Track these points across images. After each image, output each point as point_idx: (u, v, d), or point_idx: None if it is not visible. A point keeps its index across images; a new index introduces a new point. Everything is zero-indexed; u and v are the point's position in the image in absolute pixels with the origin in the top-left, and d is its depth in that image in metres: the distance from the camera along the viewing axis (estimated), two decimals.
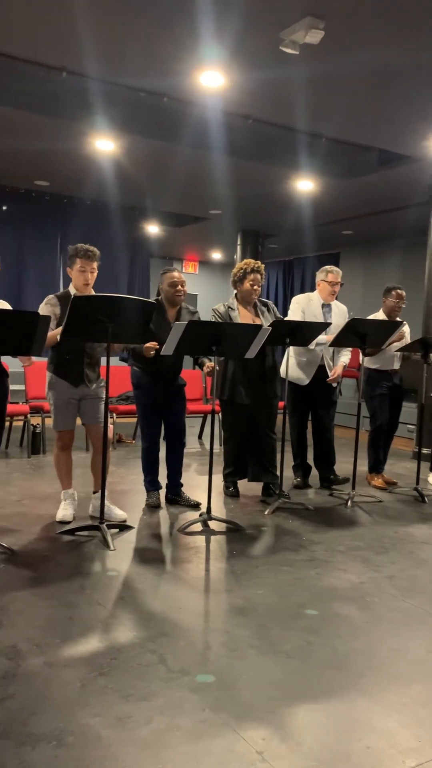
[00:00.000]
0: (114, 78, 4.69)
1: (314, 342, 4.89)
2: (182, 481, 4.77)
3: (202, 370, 4.44)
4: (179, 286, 4.42)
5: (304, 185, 6.98)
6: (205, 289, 12.34)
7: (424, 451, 6.53)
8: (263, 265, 4.84)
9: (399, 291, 5.37)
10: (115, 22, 3.87)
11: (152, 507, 4.59)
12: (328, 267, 5.26)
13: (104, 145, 5.94)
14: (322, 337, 4.95)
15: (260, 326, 4.08)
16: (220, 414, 5.59)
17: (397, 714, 2.15)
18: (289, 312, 5.25)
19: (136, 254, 9.29)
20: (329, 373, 5.15)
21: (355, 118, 5.22)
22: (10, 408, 6.39)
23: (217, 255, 12.16)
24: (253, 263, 4.75)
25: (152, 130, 5.63)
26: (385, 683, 2.35)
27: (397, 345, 5.17)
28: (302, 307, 5.17)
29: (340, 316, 5.24)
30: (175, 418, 4.65)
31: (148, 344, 4.09)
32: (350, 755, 1.93)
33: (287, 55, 4.03)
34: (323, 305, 5.21)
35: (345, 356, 5.26)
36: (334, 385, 5.31)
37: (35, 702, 2.13)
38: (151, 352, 4.06)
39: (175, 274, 4.47)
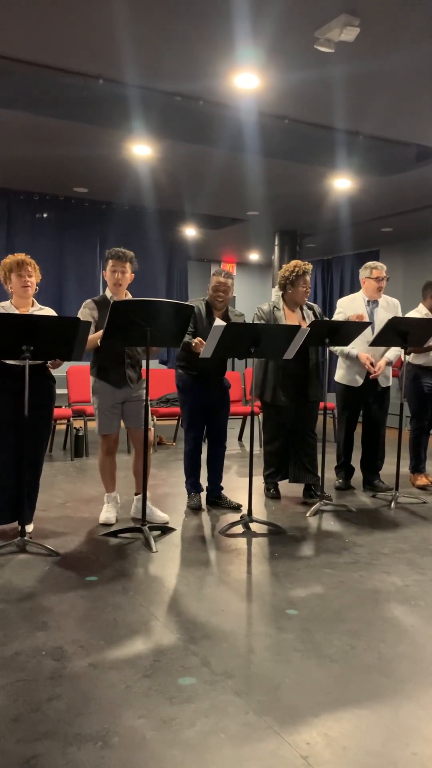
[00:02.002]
0: (150, 84, 4.73)
1: (347, 350, 4.86)
2: (222, 483, 4.78)
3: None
4: (221, 292, 4.44)
5: (342, 183, 6.92)
6: (244, 290, 12.32)
7: None
8: (311, 266, 4.82)
9: None
10: (150, 28, 3.90)
11: (193, 509, 4.61)
12: (371, 263, 5.18)
13: (141, 150, 5.99)
14: (353, 351, 4.90)
15: (298, 327, 4.06)
16: (259, 415, 5.58)
17: None
18: (334, 315, 5.20)
19: (174, 257, 9.35)
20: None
21: (392, 114, 5.15)
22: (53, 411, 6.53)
23: (254, 256, 12.13)
24: (303, 265, 4.74)
25: (188, 134, 5.65)
26: None
27: None
28: (344, 310, 5.11)
29: (389, 310, 5.13)
30: (218, 421, 4.66)
31: (196, 340, 4.13)
32: (397, 762, 1.90)
33: (323, 54, 4.00)
34: (369, 302, 5.14)
35: (392, 352, 5.12)
36: (387, 384, 5.19)
37: (81, 703, 2.16)
38: (199, 350, 4.07)
39: (221, 279, 4.46)
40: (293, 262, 4.80)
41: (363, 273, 5.20)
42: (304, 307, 4.87)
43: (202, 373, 4.48)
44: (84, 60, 4.37)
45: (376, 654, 2.55)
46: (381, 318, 4.95)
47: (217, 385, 4.60)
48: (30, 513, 3.96)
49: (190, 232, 9.54)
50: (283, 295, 4.83)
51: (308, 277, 4.73)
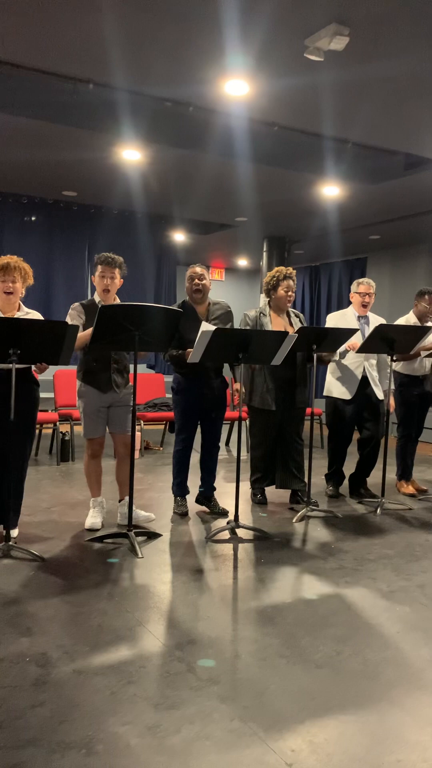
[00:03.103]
0: (140, 88, 4.73)
1: (337, 352, 4.87)
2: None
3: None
4: (196, 279, 4.43)
5: (330, 190, 6.95)
6: (232, 295, 12.34)
7: None
8: (295, 272, 4.86)
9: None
10: (140, 34, 3.91)
11: (180, 515, 4.60)
12: (360, 279, 5.25)
13: (131, 154, 6.00)
14: (341, 347, 4.91)
15: (286, 333, 4.07)
16: (247, 421, 5.58)
17: (430, 726, 2.12)
18: None
19: (162, 262, 9.35)
20: (371, 384, 5.06)
21: (381, 123, 5.19)
22: (40, 416, 6.48)
23: (243, 262, 12.17)
24: (285, 270, 4.80)
25: (178, 139, 5.66)
26: (418, 694, 2.31)
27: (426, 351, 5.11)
28: (336, 324, 5.12)
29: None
30: (213, 421, 4.65)
31: (188, 351, 4.14)
32: None
33: (312, 62, 4.03)
34: (359, 317, 5.17)
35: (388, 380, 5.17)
36: (381, 396, 5.15)
37: (65, 709, 2.14)
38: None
39: (197, 269, 4.46)
40: (276, 268, 4.87)
41: (352, 287, 5.25)
42: (291, 314, 4.90)
43: (198, 375, 4.46)
44: (74, 64, 4.37)
45: (361, 660, 2.55)
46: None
47: (212, 385, 4.58)
48: (15, 517, 3.93)
49: (179, 237, 9.55)
50: (269, 302, 4.86)
51: (291, 282, 4.77)
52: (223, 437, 7.84)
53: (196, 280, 4.44)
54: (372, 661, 2.55)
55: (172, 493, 4.76)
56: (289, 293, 4.78)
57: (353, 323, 5.10)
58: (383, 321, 5.23)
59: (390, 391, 5.12)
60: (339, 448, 5.27)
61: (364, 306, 5.15)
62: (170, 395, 5.04)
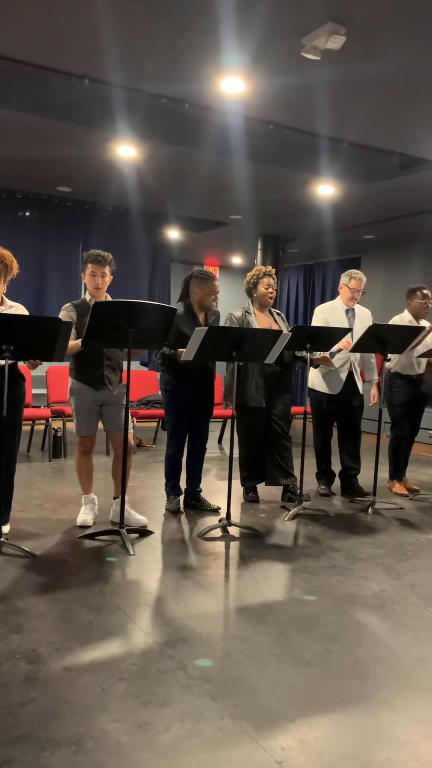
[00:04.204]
0: (135, 85, 4.72)
1: (329, 352, 4.89)
2: (201, 486, 4.78)
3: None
4: (215, 294, 4.53)
5: (325, 190, 6.96)
6: (226, 293, 12.29)
7: None
8: (274, 270, 4.94)
9: (424, 291, 5.34)
10: (137, 30, 3.89)
11: (172, 512, 4.60)
12: (353, 272, 5.24)
13: (126, 151, 5.98)
14: (334, 348, 4.93)
15: (280, 331, 4.07)
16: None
17: (420, 725, 2.12)
18: (313, 322, 5.24)
19: (157, 259, 9.34)
20: (356, 379, 5.13)
21: (376, 122, 5.19)
22: (32, 412, 6.47)
23: (237, 260, 12.15)
24: (265, 268, 4.91)
25: (174, 136, 5.65)
26: (408, 693, 2.32)
27: (419, 350, 5.12)
28: (325, 317, 5.15)
29: (363, 320, 5.19)
30: (200, 422, 4.65)
31: (179, 351, 4.13)
32: (371, 766, 1.90)
33: (309, 61, 4.02)
34: (347, 311, 5.19)
35: (376, 375, 5.27)
36: (361, 391, 5.24)
37: (55, 707, 2.14)
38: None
39: (217, 286, 4.53)
40: (256, 268, 4.97)
41: (343, 278, 5.25)
42: (273, 312, 4.94)
43: (188, 376, 4.46)
44: (70, 59, 4.34)
45: (351, 659, 2.56)
46: (357, 328, 5.03)
47: (202, 387, 4.58)
48: (6, 513, 3.91)
49: (174, 234, 9.53)
50: (251, 301, 4.92)
51: (271, 279, 4.85)
52: (215, 435, 7.85)
53: (215, 295, 4.53)
54: (362, 660, 2.55)
55: (164, 491, 4.76)
56: (270, 290, 4.84)
57: (341, 315, 5.13)
58: (368, 312, 5.28)
59: (373, 383, 5.19)
60: (324, 442, 5.32)
61: (352, 300, 5.18)
62: None
